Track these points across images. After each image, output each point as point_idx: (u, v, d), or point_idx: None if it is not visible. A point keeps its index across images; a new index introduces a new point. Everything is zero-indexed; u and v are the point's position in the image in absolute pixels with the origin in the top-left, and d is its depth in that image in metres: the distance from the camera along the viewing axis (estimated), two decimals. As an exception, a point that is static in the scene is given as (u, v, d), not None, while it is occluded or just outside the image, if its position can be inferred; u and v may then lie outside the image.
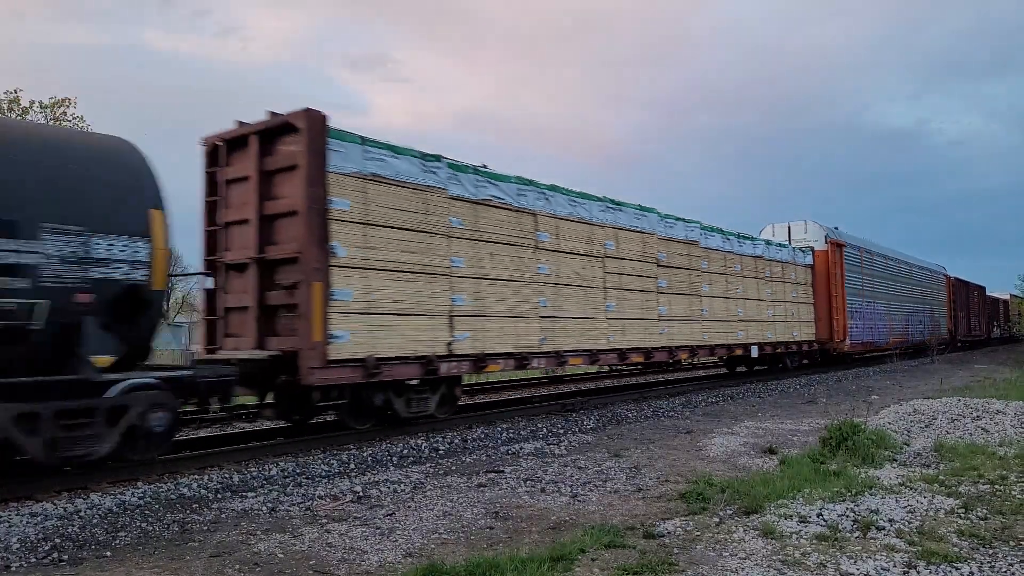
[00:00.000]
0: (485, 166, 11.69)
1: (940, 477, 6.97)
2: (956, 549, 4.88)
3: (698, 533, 5.31)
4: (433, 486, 7.06)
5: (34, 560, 4.92)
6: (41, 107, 26.95)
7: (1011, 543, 5.02)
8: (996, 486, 6.61)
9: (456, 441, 9.59)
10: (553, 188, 12.93)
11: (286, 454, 8.69)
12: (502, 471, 7.69)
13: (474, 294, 11.06)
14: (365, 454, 8.67)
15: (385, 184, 9.88)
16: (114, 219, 7.22)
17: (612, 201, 14.35)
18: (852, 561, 4.66)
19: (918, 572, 4.48)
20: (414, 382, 10.34)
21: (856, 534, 5.25)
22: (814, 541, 5.09)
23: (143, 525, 5.74)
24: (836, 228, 24.77)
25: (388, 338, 9.66)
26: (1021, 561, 4.67)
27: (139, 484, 7.14)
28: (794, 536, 5.20)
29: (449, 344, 10.53)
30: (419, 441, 9.53)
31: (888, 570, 4.51)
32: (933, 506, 5.95)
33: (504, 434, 10.22)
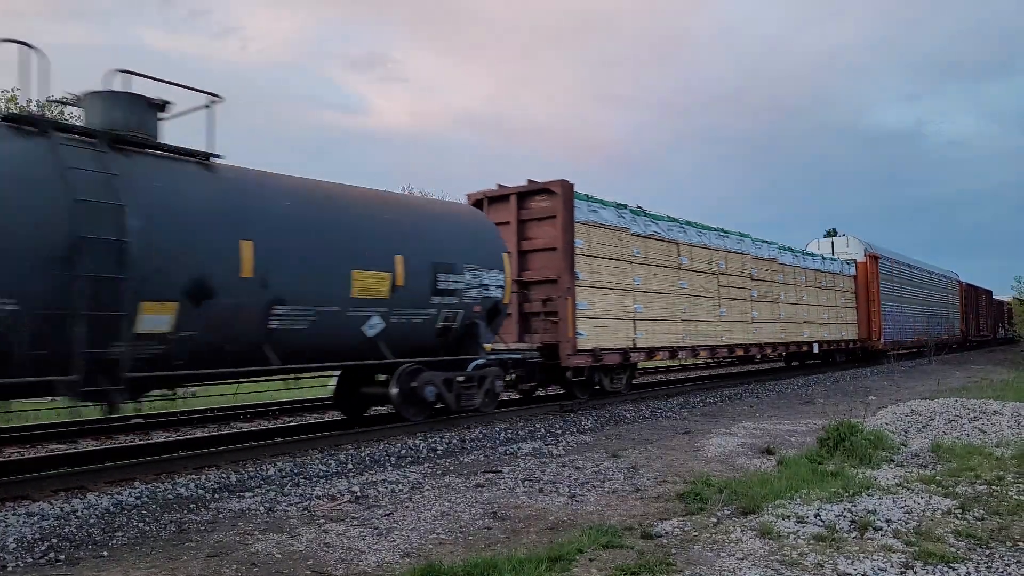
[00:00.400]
0: (642, 208, 15.59)
1: (937, 478, 6.98)
2: (953, 549, 4.89)
3: (696, 533, 5.31)
4: (431, 486, 7.05)
5: (31, 560, 4.91)
6: (39, 107, 26.90)
7: (1008, 543, 5.03)
8: (993, 487, 6.62)
9: (454, 441, 9.59)
10: (688, 223, 17.10)
11: (284, 454, 8.68)
12: (500, 471, 7.69)
13: (646, 304, 15.36)
14: (363, 454, 8.67)
15: (598, 228, 14.19)
16: (489, 260, 11.50)
17: (722, 230, 18.66)
18: (849, 561, 4.67)
19: (915, 572, 4.48)
20: (615, 366, 14.56)
21: (853, 534, 5.26)
22: (812, 541, 5.10)
23: (140, 525, 5.74)
24: (870, 244, 28.46)
25: (604, 335, 14.00)
26: (1018, 561, 4.68)
27: (136, 484, 7.13)
28: (792, 536, 5.21)
29: (634, 339, 14.86)
30: (417, 441, 9.53)
31: (885, 570, 4.51)
32: (930, 507, 5.96)
33: (502, 434, 10.22)
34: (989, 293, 53.10)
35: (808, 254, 23.64)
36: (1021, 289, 48.56)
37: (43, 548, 5.13)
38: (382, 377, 10.43)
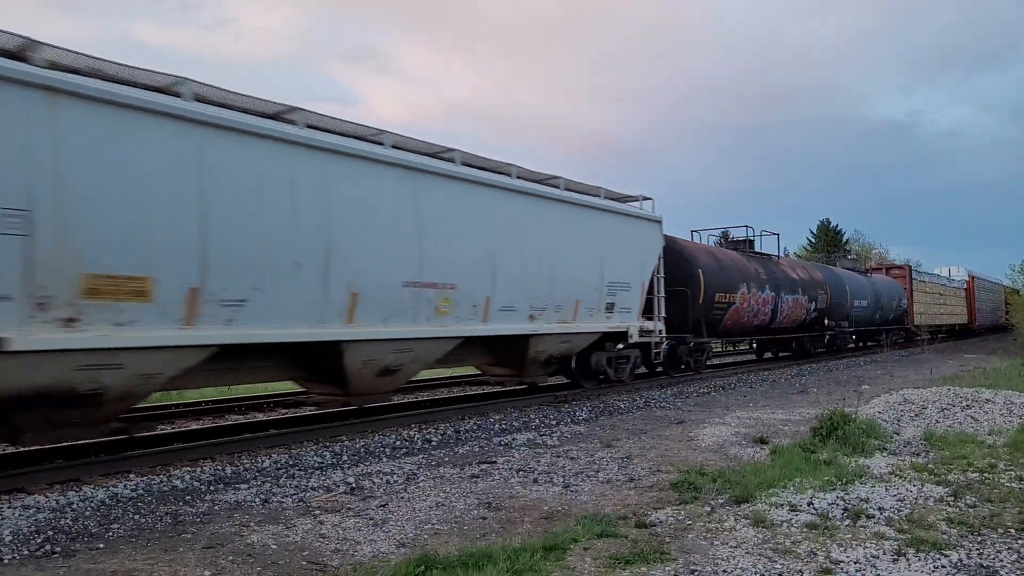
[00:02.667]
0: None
1: (930, 466, 7.03)
2: (945, 536, 4.93)
3: (690, 522, 5.34)
4: (426, 477, 7.07)
5: (27, 553, 4.91)
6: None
7: (999, 530, 5.08)
8: (985, 474, 6.68)
9: (449, 432, 9.61)
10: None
11: (279, 446, 8.69)
12: (495, 462, 7.71)
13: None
14: (358, 445, 8.68)
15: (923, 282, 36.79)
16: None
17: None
18: (842, 549, 4.71)
19: (907, 559, 4.53)
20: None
21: (846, 522, 5.30)
22: (805, 530, 5.13)
23: (136, 517, 5.74)
24: (969, 270, 47.50)
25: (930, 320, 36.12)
26: (1009, 548, 4.72)
27: (131, 476, 7.13)
28: (785, 525, 5.24)
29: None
30: (412, 432, 9.55)
31: (878, 558, 4.55)
32: (923, 494, 6.01)
33: (497, 425, 10.25)
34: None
35: (944, 276, 43.16)
36: (1015, 278, 50.53)
37: (39, 541, 5.13)
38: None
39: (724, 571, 4.34)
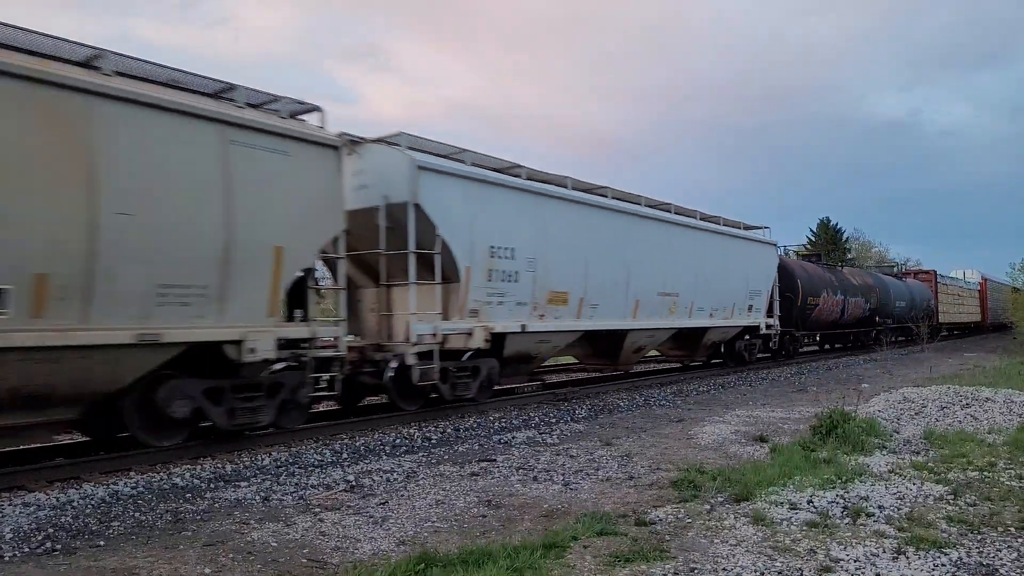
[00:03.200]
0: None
1: (929, 464, 7.03)
2: (945, 535, 4.94)
3: (689, 520, 5.34)
4: (426, 475, 7.08)
5: (27, 550, 4.92)
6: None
7: (999, 529, 5.08)
8: (985, 473, 6.68)
9: (448, 430, 9.61)
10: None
11: (278, 444, 8.69)
12: (494, 460, 7.72)
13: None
14: (358, 443, 8.68)
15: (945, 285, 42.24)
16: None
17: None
18: (842, 547, 4.71)
19: (907, 558, 4.53)
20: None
21: (846, 521, 5.30)
22: (804, 528, 5.14)
23: (136, 515, 5.75)
24: (983, 272, 54.17)
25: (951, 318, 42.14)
26: (1009, 546, 4.73)
27: (132, 474, 7.13)
28: (785, 523, 5.25)
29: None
30: (411, 430, 9.55)
31: (878, 556, 4.55)
32: (922, 493, 6.01)
33: (496, 423, 10.25)
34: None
35: (961, 279, 48.81)
36: (1015, 276, 51.61)
37: (39, 538, 5.13)
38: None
39: (724, 569, 4.35)
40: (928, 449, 7.88)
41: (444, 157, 10.96)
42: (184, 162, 7.41)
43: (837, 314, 25.51)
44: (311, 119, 8.94)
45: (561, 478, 6.85)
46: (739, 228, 18.89)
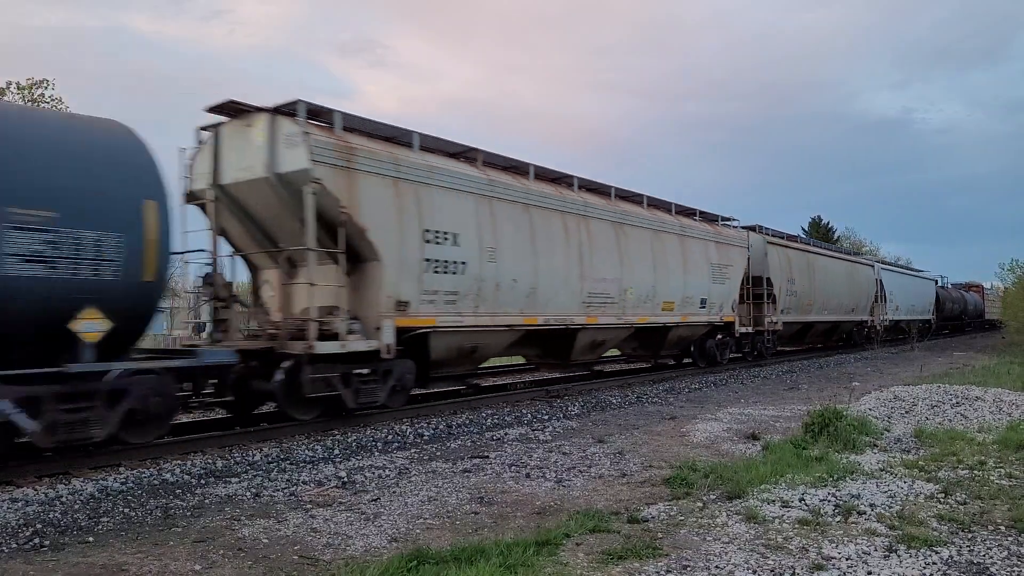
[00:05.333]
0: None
1: (920, 463, 7.06)
2: (936, 533, 4.95)
3: (682, 518, 5.34)
4: (418, 471, 7.06)
5: (15, 546, 4.87)
6: (18, 88, 26.50)
7: (989, 527, 5.10)
8: (975, 471, 6.70)
9: (441, 427, 9.59)
10: None
11: (269, 439, 8.65)
12: (487, 456, 7.70)
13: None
14: (350, 439, 8.65)
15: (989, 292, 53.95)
16: None
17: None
18: (834, 545, 4.72)
19: (898, 556, 4.54)
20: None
21: (838, 519, 5.31)
22: (796, 525, 5.14)
23: (126, 511, 5.71)
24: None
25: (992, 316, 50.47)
26: (999, 545, 4.74)
27: (121, 469, 7.09)
28: (777, 520, 5.25)
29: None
30: (403, 427, 9.53)
31: (869, 554, 4.56)
32: (913, 491, 6.03)
33: (489, 420, 10.24)
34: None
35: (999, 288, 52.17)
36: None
37: (28, 534, 5.09)
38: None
39: (716, 566, 4.35)
40: (919, 447, 7.90)
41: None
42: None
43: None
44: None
45: (554, 475, 6.84)
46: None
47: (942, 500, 5.79)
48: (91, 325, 6.91)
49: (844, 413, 8.59)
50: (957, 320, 45.15)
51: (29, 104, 25.33)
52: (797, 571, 4.28)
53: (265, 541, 4.95)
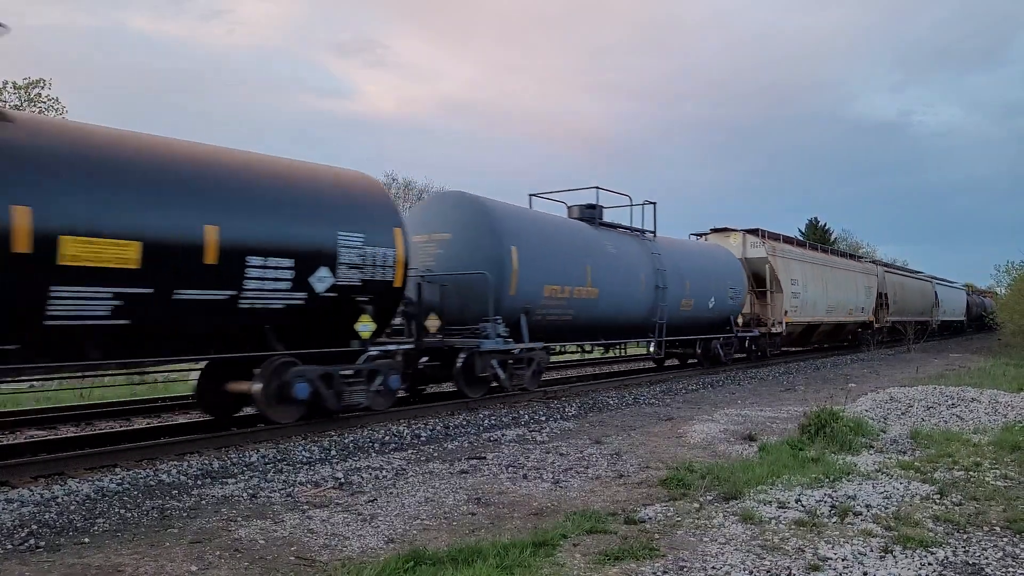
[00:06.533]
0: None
1: (916, 464, 7.08)
2: (931, 534, 4.96)
3: (679, 519, 5.35)
4: (415, 472, 7.05)
5: (10, 547, 4.86)
6: (15, 87, 26.44)
7: (985, 528, 5.12)
8: (970, 472, 6.72)
9: (438, 428, 9.59)
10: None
11: (266, 440, 8.64)
12: (484, 457, 7.70)
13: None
14: (346, 440, 8.65)
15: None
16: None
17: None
18: (830, 546, 4.73)
19: (894, 556, 4.55)
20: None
21: (834, 519, 5.32)
22: (793, 526, 5.15)
23: (122, 511, 5.69)
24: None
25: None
26: (995, 545, 4.76)
27: (117, 470, 7.08)
28: (773, 521, 5.26)
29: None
30: (400, 427, 9.52)
31: (865, 554, 4.57)
32: (909, 492, 6.04)
33: (486, 421, 10.24)
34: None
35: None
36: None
37: (23, 535, 5.08)
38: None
39: (713, 567, 4.35)
40: (915, 448, 7.93)
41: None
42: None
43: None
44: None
45: (551, 476, 6.84)
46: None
47: (938, 501, 5.81)
48: (365, 326, 9.53)
49: (840, 414, 8.61)
50: (979, 320, 52.95)
51: (28, 104, 25.25)
52: (793, 572, 4.29)
53: (262, 542, 4.95)
